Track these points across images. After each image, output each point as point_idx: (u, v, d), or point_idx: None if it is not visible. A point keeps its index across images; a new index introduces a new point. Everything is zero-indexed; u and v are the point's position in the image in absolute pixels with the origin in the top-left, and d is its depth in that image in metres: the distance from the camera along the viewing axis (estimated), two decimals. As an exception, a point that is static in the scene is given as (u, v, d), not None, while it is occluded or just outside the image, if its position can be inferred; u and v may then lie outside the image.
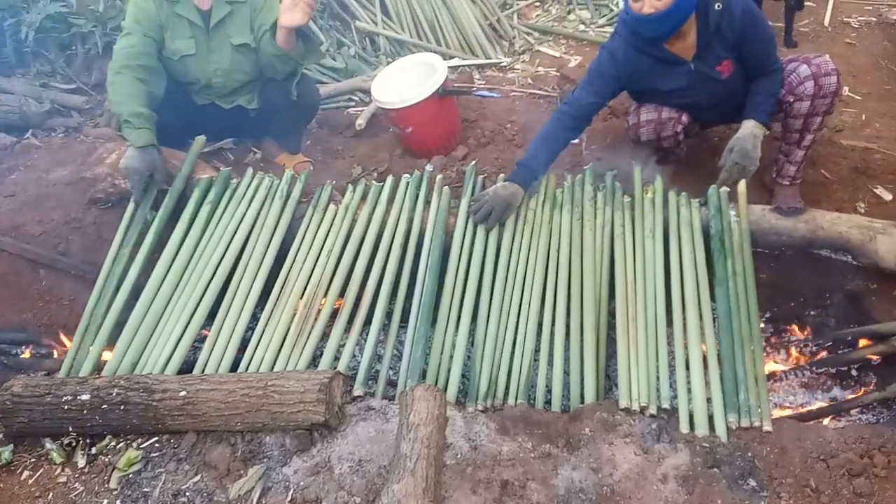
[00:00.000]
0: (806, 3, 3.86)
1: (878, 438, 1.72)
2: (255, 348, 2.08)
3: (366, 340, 2.10)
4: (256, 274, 2.25)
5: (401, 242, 2.31)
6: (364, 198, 2.47)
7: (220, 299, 2.20)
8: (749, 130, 2.24)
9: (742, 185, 2.27)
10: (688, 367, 1.90)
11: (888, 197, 2.59)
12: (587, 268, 2.18)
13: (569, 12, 4.37)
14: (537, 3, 4.50)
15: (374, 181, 2.56)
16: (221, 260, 2.27)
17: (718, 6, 2.18)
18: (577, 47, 4.07)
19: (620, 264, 2.18)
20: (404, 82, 2.94)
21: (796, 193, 2.51)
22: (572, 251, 2.24)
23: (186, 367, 2.08)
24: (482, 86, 3.61)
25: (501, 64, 3.84)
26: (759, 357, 1.92)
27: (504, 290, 2.18)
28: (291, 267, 2.27)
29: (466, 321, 2.12)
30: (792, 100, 2.31)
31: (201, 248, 2.31)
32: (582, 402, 1.92)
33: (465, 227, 2.33)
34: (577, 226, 2.30)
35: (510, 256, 2.26)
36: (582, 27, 4.22)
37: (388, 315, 2.19)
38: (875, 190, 2.63)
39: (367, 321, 2.14)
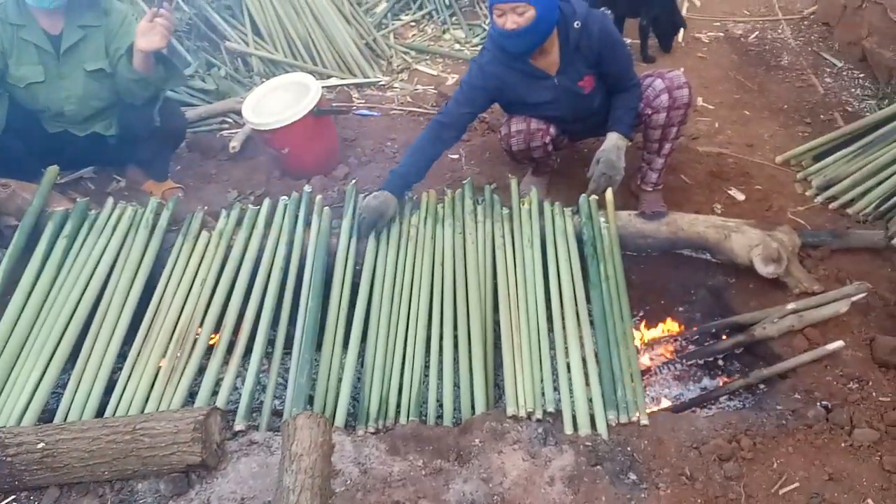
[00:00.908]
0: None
1: (743, 423, 1.85)
2: (124, 390, 1.93)
3: (247, 371, 2.01)
4: (122, 310, 2.10)
5: (281, 266, 2.24)
6: (240, 223, 2.38)
7: (83, 339, 2.03)
8: (613, 143, 2.37)
9: (609, 193, 2.39)
10: (569, 370, 1.96)
11: (741, 197, 2.81)
12: (471, 280, 2.21)
13: (444, 32, 4.45)
14: (413, 24, 4.56)
15: (250, 205, 2.48)
16: (81, 297, 2.11)
17: (577, 24, 2.28)
18: (454, 65, 4.15)
19: (502, 275, 2.23)
20: (277, 102, 2.87)
21: (659, 198, 2.68)
22: (456, 265, 2.26)
23: (47, 417, 1.91)
24: (361, 105, 3.59)
25: (380, 83, 3.85)
26: (633, 354, 2.01)
27: (391, 308, 2.17)
28: (161, 300, 2.14)
29: (355, 342, 2.09)
30: (650, 112, 2.47)
31: (58, 286, 2.14)
32: (473, 413, 1.93)
33: (349, 248, 2.30)
34: (460, 239, 2.33)
35: (395, 274, 2.25)
36: (457, 46, 4.32)
37: (272, 342, 2.11)
38: (729, 191, 2.85)
39: (248, 351, 2.06)
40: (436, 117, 2.46)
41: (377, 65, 4.01)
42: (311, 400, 1.96)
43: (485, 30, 4.45)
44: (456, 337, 2.10)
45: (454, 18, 4.55)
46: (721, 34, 4.36)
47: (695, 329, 2.30)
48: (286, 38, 3.88)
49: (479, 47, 4.25)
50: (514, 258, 2.28)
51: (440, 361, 2.05)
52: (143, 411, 1.88)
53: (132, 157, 2.81)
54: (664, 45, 4.07)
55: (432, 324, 2.12)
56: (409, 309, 2.17)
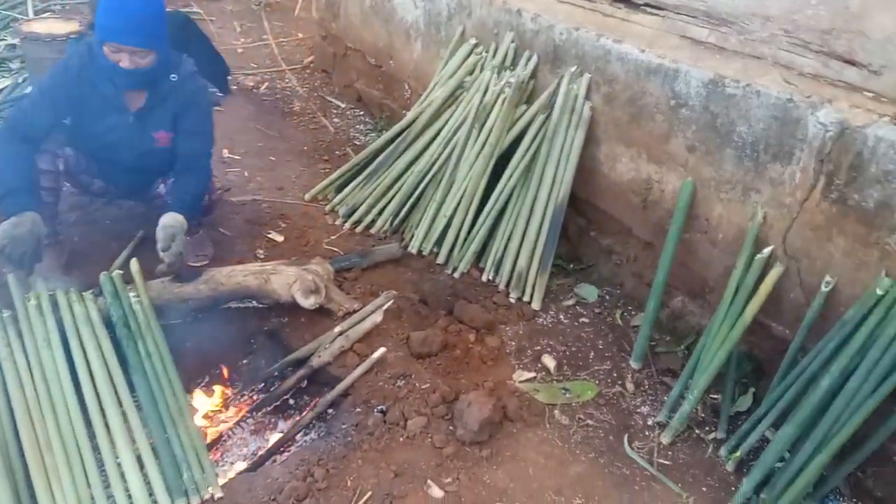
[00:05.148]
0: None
1: (315, 455, 1.87)
2: None
3: None
4: None
5: None
6: None
7: None
8: (177, 220, 2.22)
9: (134, 263, 2.19)
10: (122, 473, 1.71)
11: (280, 238, 2.91)
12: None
13: None
14: None
15: None
16: None
17: (174, 77, 2.28)
18: None
19: (16, 390, 1.83)
20: None
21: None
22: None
23: None
24: None
25: None
26: (195, 428, 1.87)
27: None
28: None
29: None
30: None
31: None
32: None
33: None
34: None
35: None
36: None
37: None
38: (269, 235, 2.93)
39: None
40: (11, 126, 2.21)
41: None
42: None
43: None
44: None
45: None
46: (234, 87, 4.50)
47: (261, 376, 2.26)
48: None
49: None
50: (30, 366, 1.89)
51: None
52: None
53: None
54: (222, 88, 4.26)
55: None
56: None
